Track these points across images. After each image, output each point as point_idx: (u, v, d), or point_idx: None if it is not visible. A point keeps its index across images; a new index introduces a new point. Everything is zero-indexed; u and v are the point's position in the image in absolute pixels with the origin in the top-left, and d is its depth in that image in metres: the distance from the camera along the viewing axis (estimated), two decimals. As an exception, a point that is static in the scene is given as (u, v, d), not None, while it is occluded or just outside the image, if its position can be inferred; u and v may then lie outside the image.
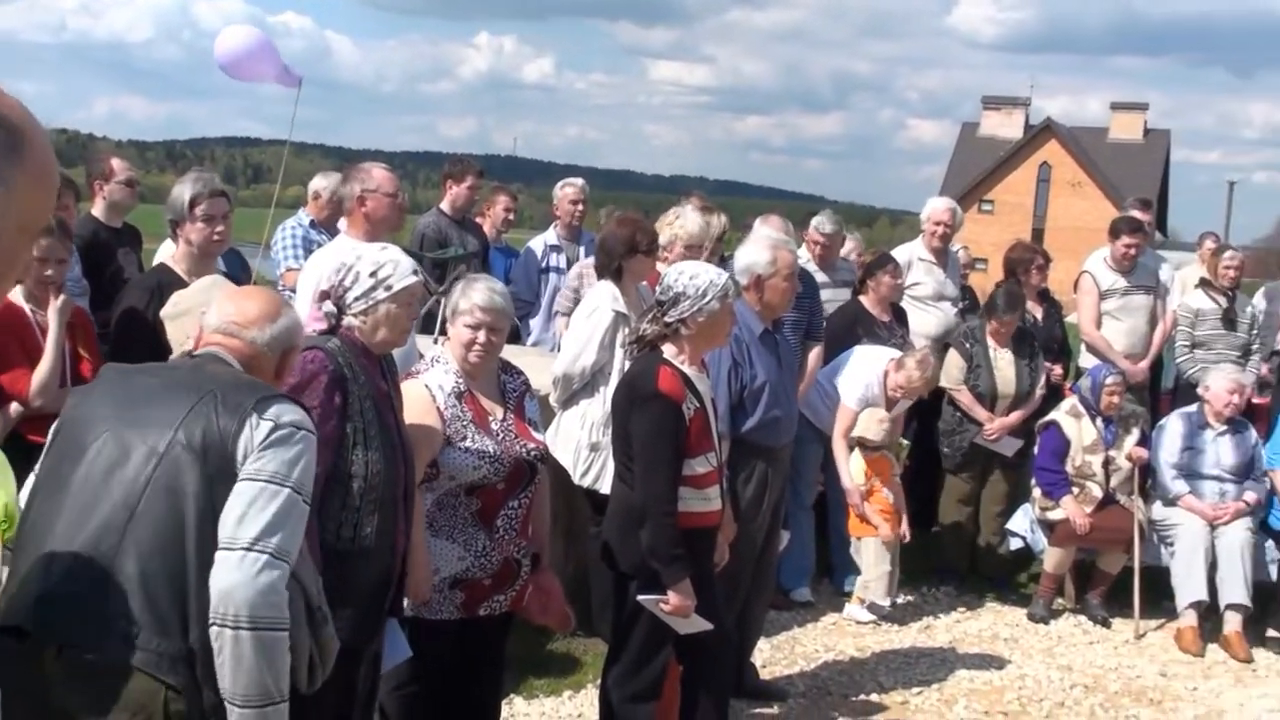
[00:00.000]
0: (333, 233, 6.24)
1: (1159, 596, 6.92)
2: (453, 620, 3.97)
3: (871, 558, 6.68)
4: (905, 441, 7.14)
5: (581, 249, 7.74)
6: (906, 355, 6.75)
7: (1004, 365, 7.23)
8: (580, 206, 7.91)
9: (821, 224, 7.36)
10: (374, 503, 3.45)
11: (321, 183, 7.21)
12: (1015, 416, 7.22)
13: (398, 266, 3.57)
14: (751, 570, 5.12)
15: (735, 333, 4.87)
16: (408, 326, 3.66)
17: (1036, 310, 7.76)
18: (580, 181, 8.05)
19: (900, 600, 7.05)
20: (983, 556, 7.46)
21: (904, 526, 6.76)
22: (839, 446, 6.65)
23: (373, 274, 3.54)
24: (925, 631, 6.68)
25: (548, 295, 7.62)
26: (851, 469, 6.62)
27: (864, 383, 6.68)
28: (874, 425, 6.62)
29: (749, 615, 5.26)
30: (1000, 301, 7.18)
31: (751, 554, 5.07)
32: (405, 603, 3.76)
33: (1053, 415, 7.04)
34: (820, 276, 7.24)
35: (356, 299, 3.54)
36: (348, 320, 3.55)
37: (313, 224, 7.16)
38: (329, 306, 3.55)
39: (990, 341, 7.27)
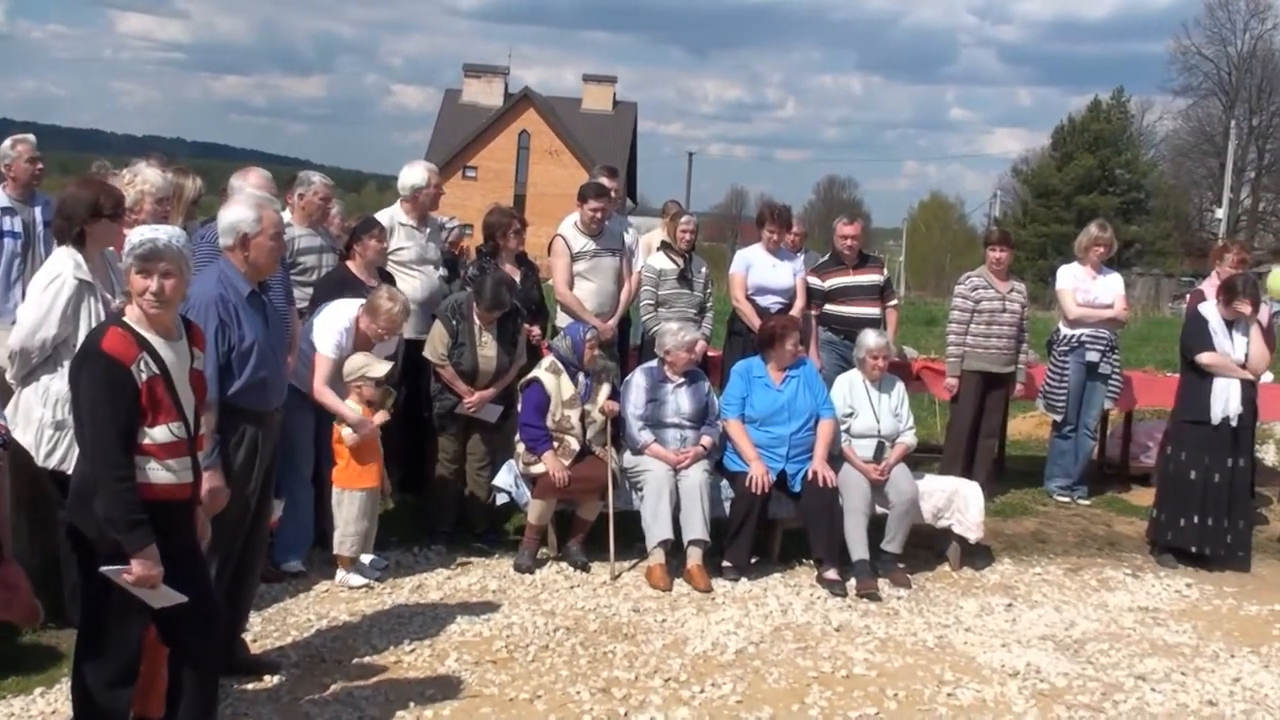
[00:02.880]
0: None
1: (632, 539, 7.33)
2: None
3: (352, 512, 6.68)
4: (393, 391, 7.06)
5: (37, 211, 7.10)
6: (373, 297, 6.76)
7: (487, 344, 7.46)
8: (38, 166, 7.25)
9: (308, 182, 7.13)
10: None
11: None
12: (491, 391, 7.44)
13: None
14: (243, 540, 4.94)
15: (221, 293, 4.72)
16: None
17: (515, 273, 7.95)
18: (31, 138, 7.37)
19: (393, 561, 7.00)
20: (472, 513, 7.58)
21: (386, 481, 6.83)
22: (323, 395, 6.58)
23: None
24: (417, 591, 6.76)
25: (3, 263, 6.92)
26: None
27: (336, 331, 6.68)
28: (374, 365, 6.67)
29: (239, 589, 5.07)
30: (485, 292, 7.27)
31: (244, 522, 4.89)
32: None
33: (534, 373, 7.26)
34: (312, 240, 7.03)
35: None
36: None
37: None
38: None
39: (476, 321, 7.42)
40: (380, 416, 6.70)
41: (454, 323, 7.39)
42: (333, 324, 6.66)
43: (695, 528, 7.05)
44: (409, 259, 7.83)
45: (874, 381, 7.58)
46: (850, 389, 7.56)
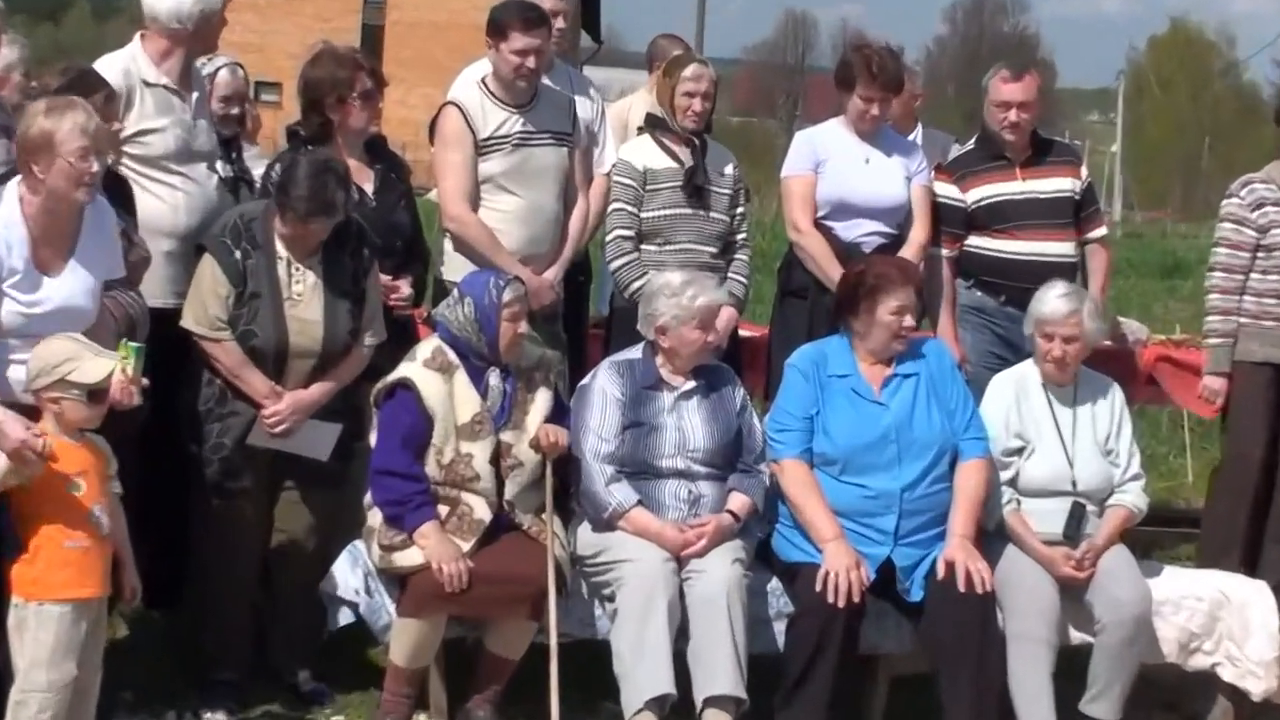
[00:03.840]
0: None
1: (595, 695, 4.46)
2: None
3: (42, 647, 3.66)
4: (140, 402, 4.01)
5: None
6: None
7: (304, 295, 4.50)
8: None
9: None
10: None
11: None
12: (316, 391, 4.49)
13: None
14: None
15: None
16: None
17: (365, 177, 4.91)
18: None
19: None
20: (281, 645, 4.66)
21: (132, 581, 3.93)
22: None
23: None
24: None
25: None
26: None
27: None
28: (84, 359, 3.70)
29: None
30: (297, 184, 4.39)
31: None
32: None
33: (401, 371, 4.38)
34: None
35: None
36: None
37: None
38: None
39: (280, 249, 4.49)
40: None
41: (237, 256, 4.32)
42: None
43: (718, 674, 4.21)
44: (163, 152, 4.59)
45: (1063, 385, 4.62)
46: (1018, 400, 4.63)
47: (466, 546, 4.15)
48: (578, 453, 4.33)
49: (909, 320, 4.36)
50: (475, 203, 4.94)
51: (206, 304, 4.27)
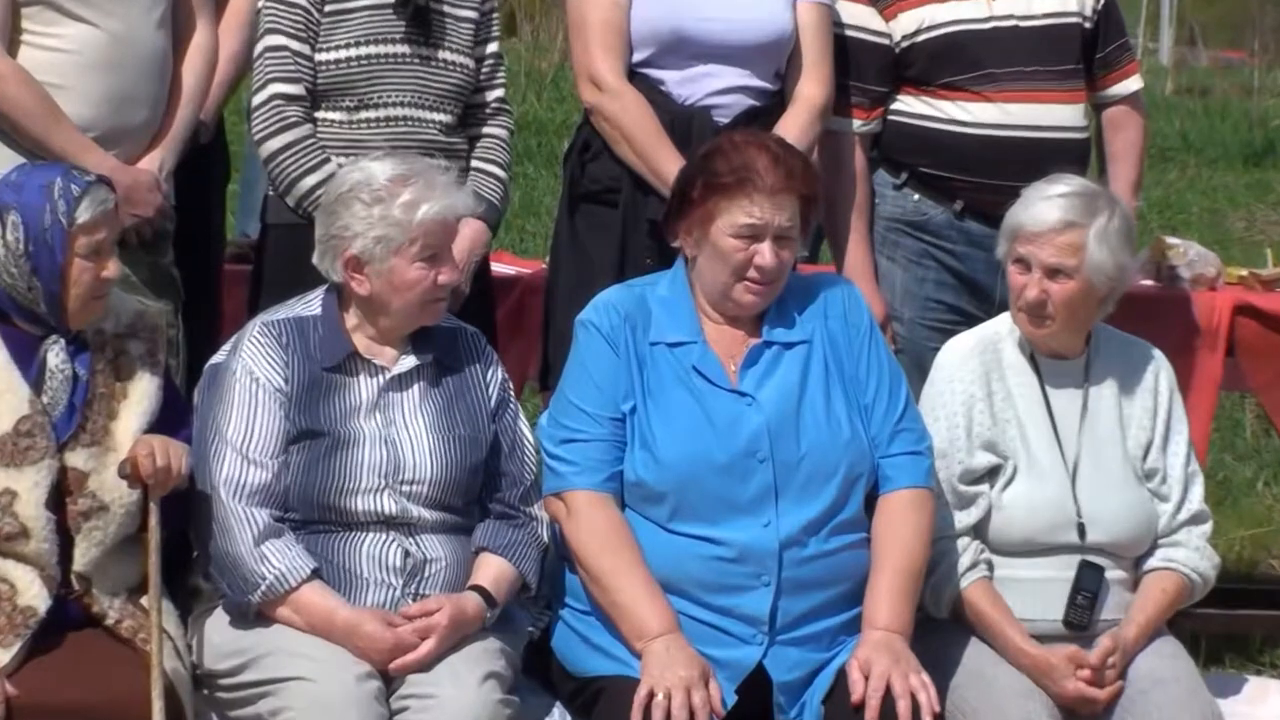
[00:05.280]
0: None
1: None
2: None
3: None
4: None
5: None
6: None
7: None
8: None
9: None
10: None
11: None
12: None
13: None
14: None
15: None
16: None
17: None
18: None
19: None
20: None
21: None
22: None
23: None
24: None
25: None
26: None
27: None
28: None
29: None
30: None
31: None
32: None
33: None
34: None
35: None
36: None
37: None
38: None
39: None
40: None
41: None
42: None
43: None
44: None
45: (1064, 355, 3.04)
46: (987, 384, 3.03)
47: (5, 657, 2.69)
48: (204, 485, 2.82)
49: (785, 252, 2.80)
50: (11, 40, 3.33)
51: None
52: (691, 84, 3.49)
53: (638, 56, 3.53)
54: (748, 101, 3.52)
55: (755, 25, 3.47)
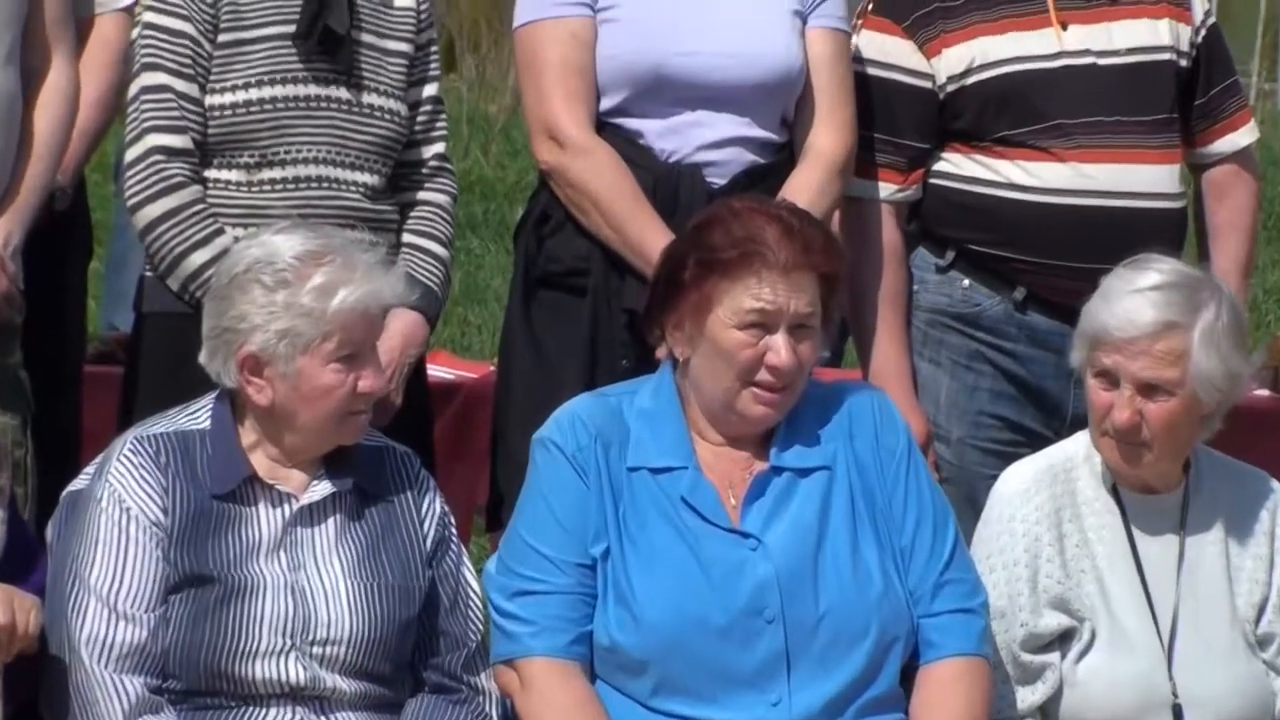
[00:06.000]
0: None
1: None
2: None
3: None
4: None
5: None
6: None
7: None
8: None
9: None
10: None
11: None
12: None
13: None
14: None
15: None
16: None
17: None
18: None
19: None
20: None
21: None
22: None
23: None
24: None
25: None
26: None
27: None
28: None
29: None
30: None
31: None
32: None
33: None
34: None
35: None
36: None
37: None
38: None
39: None
40: None
41: None
42: None
43: None
44: None
45: (1155, 491, 2.52)
46: (1058, 525, 2.51)
47: None
48: (60, 647, 2.33)
49: (804, 347, 2.30)
50: None
51: None
52: (677, 136, 3.04)
53: (608, 103, 3.05)
54: (748, 157, 3.07)
55: (755, 60, 3.02)
